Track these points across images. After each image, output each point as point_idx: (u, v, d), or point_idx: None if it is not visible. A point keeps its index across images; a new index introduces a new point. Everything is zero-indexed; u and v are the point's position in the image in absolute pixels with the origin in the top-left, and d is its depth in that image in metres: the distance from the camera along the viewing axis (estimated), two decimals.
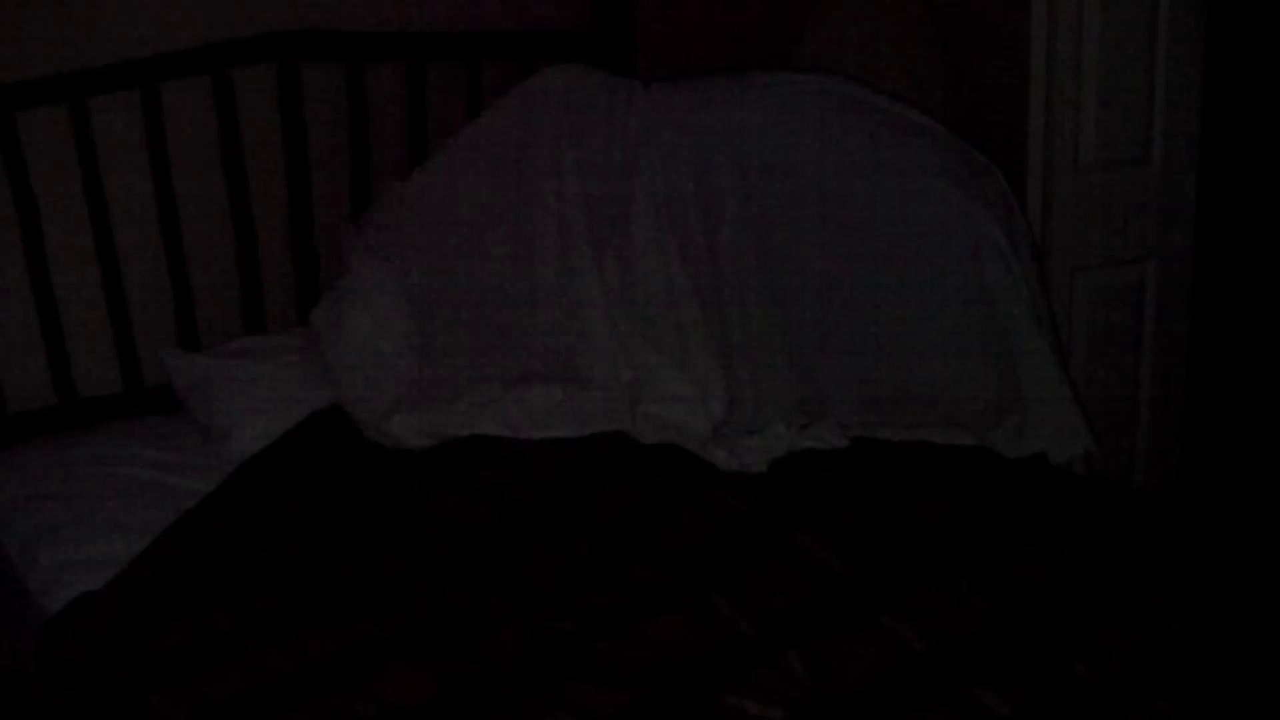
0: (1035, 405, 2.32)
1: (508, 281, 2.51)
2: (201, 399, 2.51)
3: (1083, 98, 2.77)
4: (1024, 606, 1.73)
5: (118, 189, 2.59)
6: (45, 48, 2.49)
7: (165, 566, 1.91)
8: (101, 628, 1.75)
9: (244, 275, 2.74)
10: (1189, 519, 2.18)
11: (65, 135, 2.52)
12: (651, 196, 2.49)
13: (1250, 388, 3.39)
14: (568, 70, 2.72)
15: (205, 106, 2.66)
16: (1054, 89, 2.75)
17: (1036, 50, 2.75)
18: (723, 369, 2.35)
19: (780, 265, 2.45)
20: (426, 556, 1.91)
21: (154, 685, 1.60)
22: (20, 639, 1.95)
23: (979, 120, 2.94)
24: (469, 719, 1.53)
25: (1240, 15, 3.12)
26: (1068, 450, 2.32)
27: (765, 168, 2.48)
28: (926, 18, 2.93)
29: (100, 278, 2.60)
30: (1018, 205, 2.49)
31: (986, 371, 2.34)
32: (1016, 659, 1.60)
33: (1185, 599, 1.75)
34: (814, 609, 1.72)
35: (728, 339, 2.39)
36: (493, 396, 2.31)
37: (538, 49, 2.99)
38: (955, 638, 1.65)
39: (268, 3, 2.70)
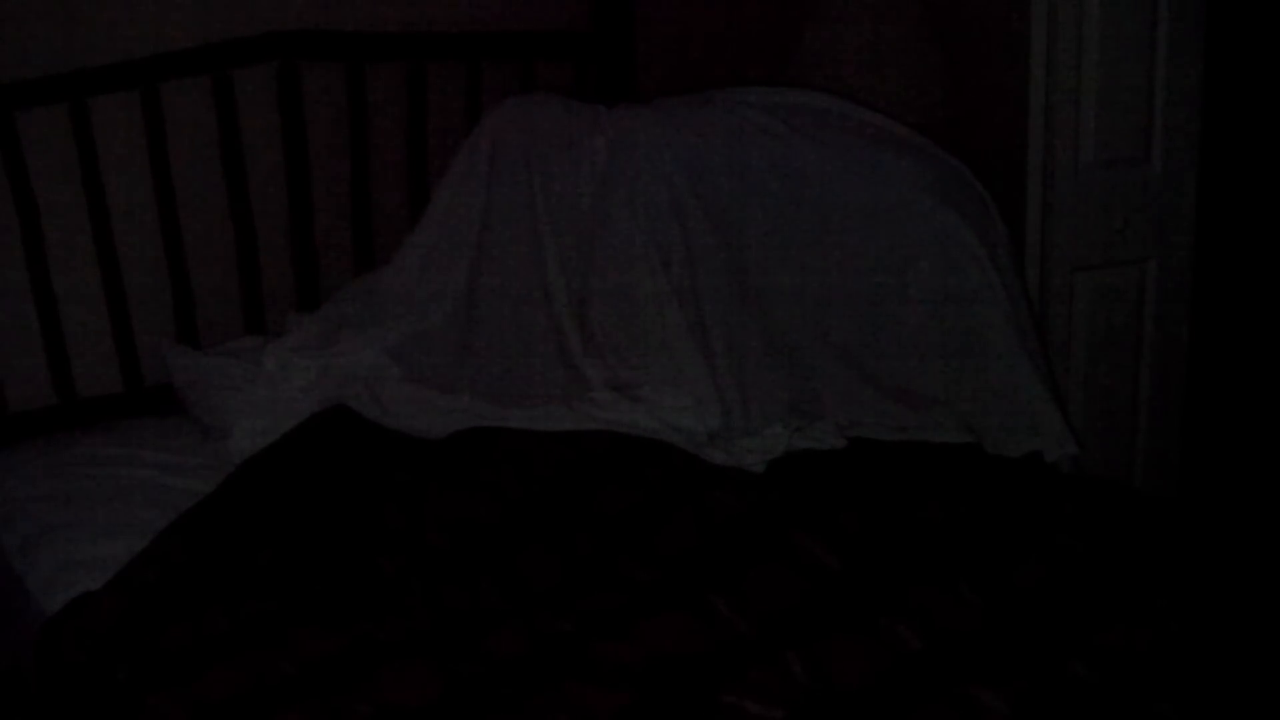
0: (1013, 407, 2.34)
1: (487, 304, 2.53)
2: (201, 398, 2.51)
3: (1083, 98, 2.77)
4: (1023, 606, 1.73)
5: (118, 189, 2.59)
6: (45, 48, 2.49)
7: (165, 566, 1.91)
8: (101, 628, 1.75)
9: (244, 275, 2.74)
10: (1189, 519, 2.18)
11: (65, 135, 2.52)
12: (629, 205, 2.50)
13: (1250, 388, 3.39)
14: (529, 99, 2.75)
15: (205, 106, 2.66)
16: (1054, 89, 2.75)
17: (1036, 50, 2.75)
18: (710, 372, 2.36)
19: (764, 272, 2.46)
20: (426, 556, 1.92)
21: (153, 685, 1.60)
22: (20, 639, 1.95)
23: (979, 120, 2.94)
24: (469, 719, 1.53)
25: (1240, 15, 3.12)
26: (1051, 453, 2.33)
27: (738, 178, 2.50)
28: (926, 18, 2.93)
29: (100, 278, 2.60)
30: (997, 213, 2.51)
31: (966, 374, 2.36)
32: (1015, 659, 1.60)
33: (1185, 599, 1.75)
34: (813, 609, 1.73)
35: (709, 343, 2.40)
36: (487, 414, 2.33)
37: (538, 49, 2.99)
38: (954, 637, 1.65)
39: (268, 3, 2.70)
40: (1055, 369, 2.64)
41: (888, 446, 2.30)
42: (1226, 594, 1.80)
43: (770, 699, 1.52)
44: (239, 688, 1.58)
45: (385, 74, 2.84)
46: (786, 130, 2.52)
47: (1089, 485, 2.26)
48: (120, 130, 2.58)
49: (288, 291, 2.80)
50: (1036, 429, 2.34)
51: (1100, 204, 2.83)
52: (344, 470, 2.21)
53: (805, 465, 2.22)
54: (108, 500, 2.23)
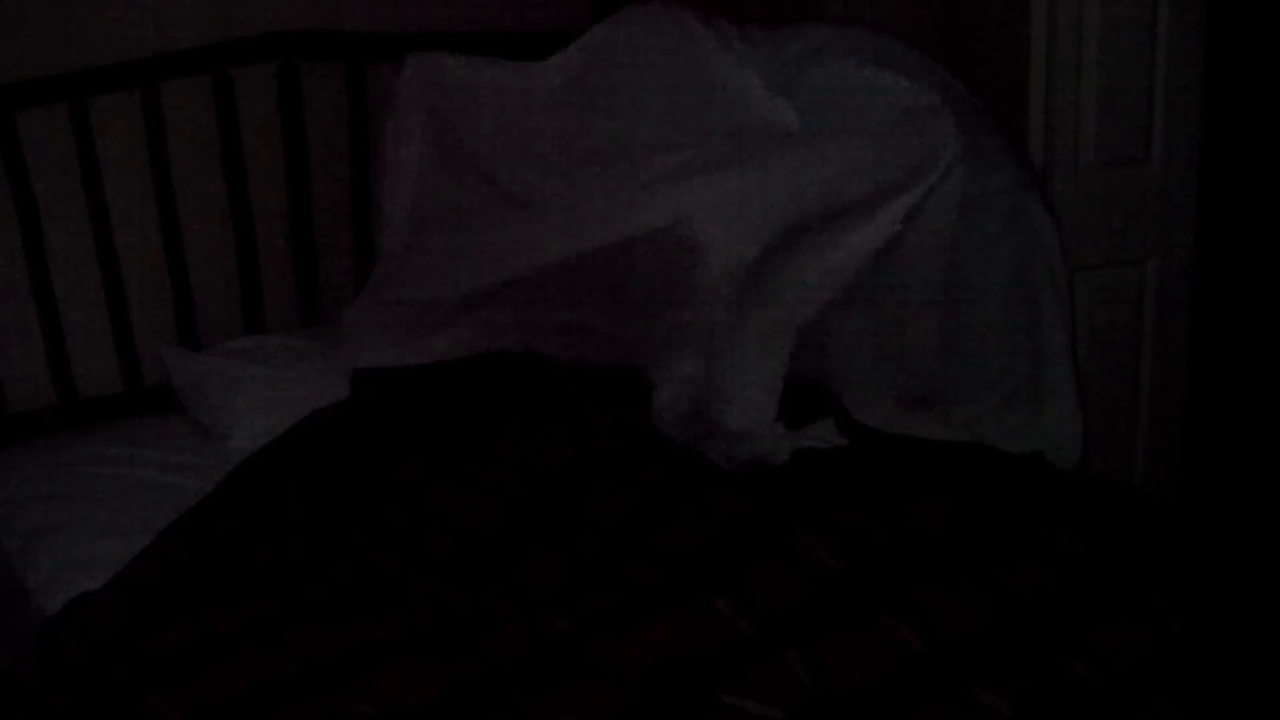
0: (1048, 407, 2.32)
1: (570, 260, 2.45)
2: (201, 398, 2.51)
3: (1083, 98, 2.77)
4: (1024, 606, 1.72)
5: (118, 189, 2.59)
6: (45, 48, 2.50)
7: (165, 566, 1.91)
8: (101, 628, 1.75)
9: (244, 275, 2.74)
10: (1189, 519, 2.18)
11: (65, 135, 2.52)
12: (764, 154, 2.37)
13: (1250, 388, 3.39)
14: (653, 11, 2.56)
15: (205, 106, 2.66)
16: (1054, 89, 2.75)
17: (1036, 50, 2.75)
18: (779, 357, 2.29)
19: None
20: (426, 555, 1.91)
21: (154, 685, 1.60)
22: (20, 639, 1.95)
23: None
24: (469, 719, 1.53)
25: (1240, 15, 3.12)
26: (1061, 459, 2.32)
27: None
28: (926, 18, 2.93)
29: (100, 278, 2.60)
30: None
31: (1010, 368, 2.34)
32: (1016, 659, 1.60)
33: (1185, 599, 1.75)
34: (814, 608, 1.72)
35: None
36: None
37: (537, 49, 2.99)
38: (955, 637, 1.65)
39: (268, 3, 2.70)
40: None
41: (890, 444, 2.29)
42: (1226, 594, 1.80)
43: (771, 699, 1.52)
44: (239, 688, 1.58)
45: (385, 74, 2.85)
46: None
47: (1089, 485, 2.26)
48: (120, 130, 2.58)
49: (288, 291, 2.80)
50: (1058, 430, 2.33)
51: (1100, 204, 2.83)
52: (344, 469, 2.21)
53: (807, 464, 2.22)
54: (108, 500, 2.24)
